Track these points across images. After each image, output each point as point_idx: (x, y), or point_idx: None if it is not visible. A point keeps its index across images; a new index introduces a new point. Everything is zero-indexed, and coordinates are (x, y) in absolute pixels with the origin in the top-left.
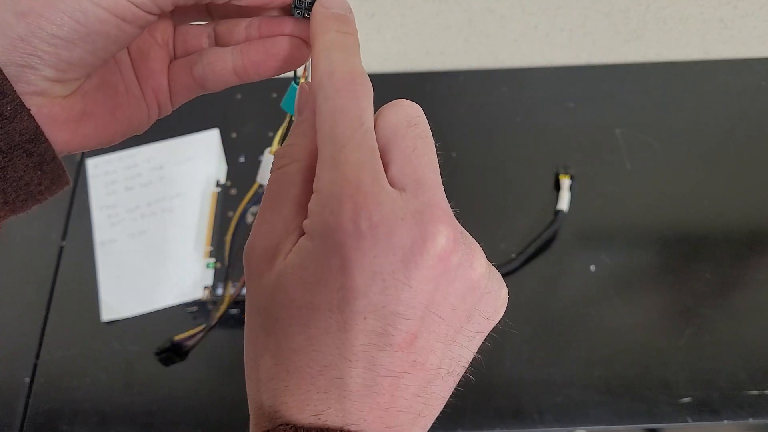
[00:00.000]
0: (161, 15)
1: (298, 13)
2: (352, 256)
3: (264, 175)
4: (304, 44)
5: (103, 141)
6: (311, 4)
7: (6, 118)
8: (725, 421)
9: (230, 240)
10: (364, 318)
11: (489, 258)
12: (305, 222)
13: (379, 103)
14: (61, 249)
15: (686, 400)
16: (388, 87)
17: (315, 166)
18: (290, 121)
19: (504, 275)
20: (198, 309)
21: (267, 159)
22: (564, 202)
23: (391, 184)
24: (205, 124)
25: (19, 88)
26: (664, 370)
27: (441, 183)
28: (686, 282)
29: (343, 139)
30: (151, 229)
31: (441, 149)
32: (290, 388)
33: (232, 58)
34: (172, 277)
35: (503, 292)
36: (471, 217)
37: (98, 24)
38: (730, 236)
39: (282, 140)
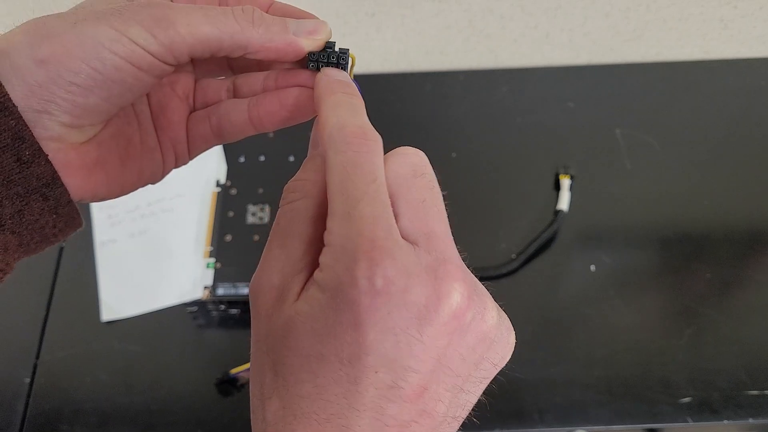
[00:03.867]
0: (181, 68)
1: (313, 65)
2: (366, 313)
3: None
4: None
5: (113, 190)
6: (322, 55)
7: (24, 163)
8: (725, 421)
9: None
10: (375, 372)
11: (489, 258)
12: (317, 273)
13: (379, 101)
14: (61, 249)
15: (686, 400)
16: (388, 87)
17: (326, 203)
18: None
19: (504, 275)
20: (198, 309)
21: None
22: (564, 202)
23: (402, 237)
24: None
25: (36, 133)
26: (664, 370)
27: (451, 235)
28: (686, 282)
29: (357, 193)
30: (151, 229)
31: (441, 149)
32: None
33: (248, 109)
34: (172, 277)
35: (511, 338)
36: (471, 217)
37: (115, 72)
38: (730, 236)
39: None
